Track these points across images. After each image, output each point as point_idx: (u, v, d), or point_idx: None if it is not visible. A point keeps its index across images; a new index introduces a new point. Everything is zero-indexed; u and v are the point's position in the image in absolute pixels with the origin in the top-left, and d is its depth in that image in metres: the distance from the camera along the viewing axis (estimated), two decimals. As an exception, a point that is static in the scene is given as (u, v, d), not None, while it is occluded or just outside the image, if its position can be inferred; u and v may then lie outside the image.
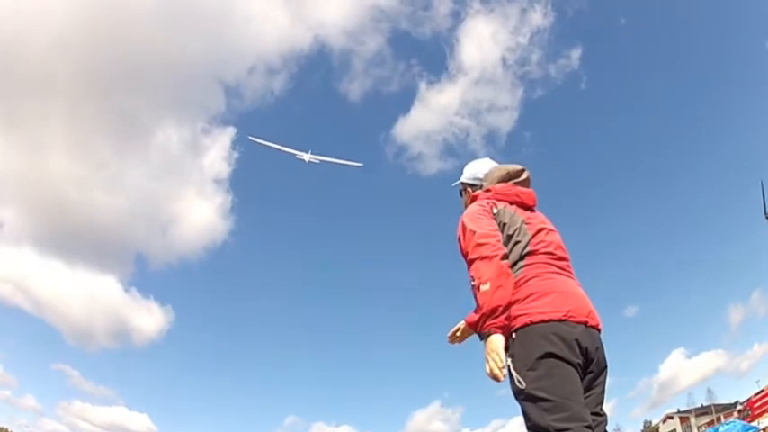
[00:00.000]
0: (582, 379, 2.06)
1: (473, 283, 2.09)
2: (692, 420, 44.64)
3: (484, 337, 2.03)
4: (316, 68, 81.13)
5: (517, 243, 2.24)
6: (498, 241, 2.18)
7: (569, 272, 2.32)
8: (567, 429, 1.87)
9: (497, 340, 2.00)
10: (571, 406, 1.93)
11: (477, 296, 2.05)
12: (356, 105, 76.22)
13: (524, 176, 2.58)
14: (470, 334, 2.63)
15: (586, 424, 1.92)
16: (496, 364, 1.96)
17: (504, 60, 73.77)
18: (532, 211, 2.50)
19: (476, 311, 2.08)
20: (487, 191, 2.53)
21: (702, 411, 45.51)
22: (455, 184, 2.85)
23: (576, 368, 2.02)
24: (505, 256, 2.14)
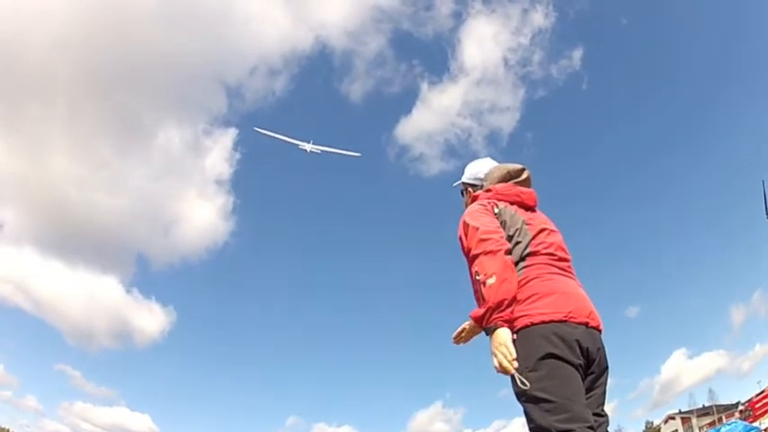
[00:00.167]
0: (583, 380, 2.06)
1: (478, 277, 2.07)
2: (694, 421, 44.61)
3: (490, 331, 2.02)
4: (317, 69, 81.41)
5: (518, 243, 2.23)
6: (501, 237, 2.18)
7: (570, 273, 2.32)
8: (570, 430, 1.87)
9: (505, 333, 1.99)
10: (573, 407, 1.92)
11: (483, 290, 2.04)
12: (358, 106, 76.51)
13: (525, 176, 2.58)
14: (475, 334, 2.63)
15: (588, 425, 1.92)
16: (505, 357, 1.93)
17: (505, 61, 74.06)
18: (533, 211, 2.49)
19: (480, 306, 2.06)
20: (488, 191, 2.53)
21: (704, 412, 45.50)
22: (456, 183, 2.85)
23: (577, 369, 2.02)
24: (509, 252, 2.14)
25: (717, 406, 44.77)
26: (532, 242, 2.26)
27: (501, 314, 2.00)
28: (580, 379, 2.03)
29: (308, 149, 45.84)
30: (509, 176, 2.56)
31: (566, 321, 2.05)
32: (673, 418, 48.56)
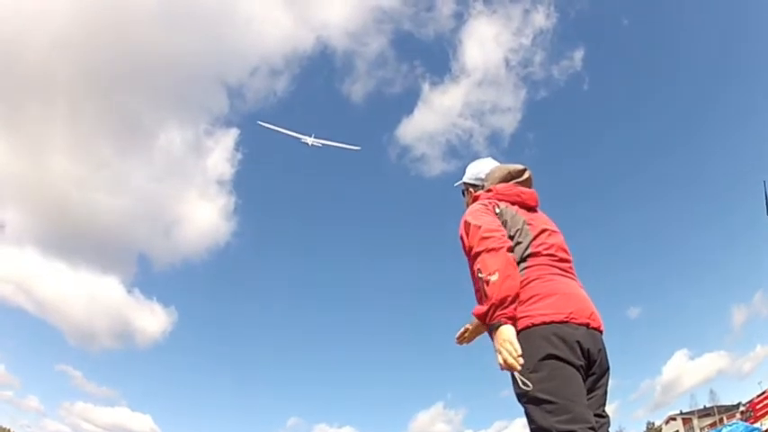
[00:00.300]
0: (584, 381, 2.05)
1: (480, 275, 2.06)
2: (695, 422, 44.59)
3: (494, 328, 2.00)
4: (318, 69, 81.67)
5: (518, 244, 2.23)
6: (503, 235, 2.17)
7: (571, 273, 2.31)
8: (571, 431, 1.86)
9: (509, 330, 1.97)
10: (574, 408, 1.92)
11: (486, 288, 2.02)
12: (359, 106, 76.63)
13: (526, 176, 2.57)
14: (479, 334, 2.62)
15: (590, 425, 1.91)
16: (510, 353, 1.91)
17: (506, 61, 74.21)
18: (534, 211, 2.49)
19: (483, 304, 2.05)
20: (489, 191, 2.52)
21: (705, 413, 45.51)
22: (457, 183, 2.85)
23: (578, 370, 2.01)
24: (511, 249, 2.13)
25: (718, 407, 44.79)
26: (533, 243, 2.25)
27: (504, 311, 1.99)
28: (581, 380, 2.02)
29: (310, 143, 46.92)
30: (510, 177, 2.56)
31: (567, 322, 2.04)
32: (674, 419, 48.55)
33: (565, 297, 2.12)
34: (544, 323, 2.02)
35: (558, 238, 2.38)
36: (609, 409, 2.22)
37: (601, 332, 2.17)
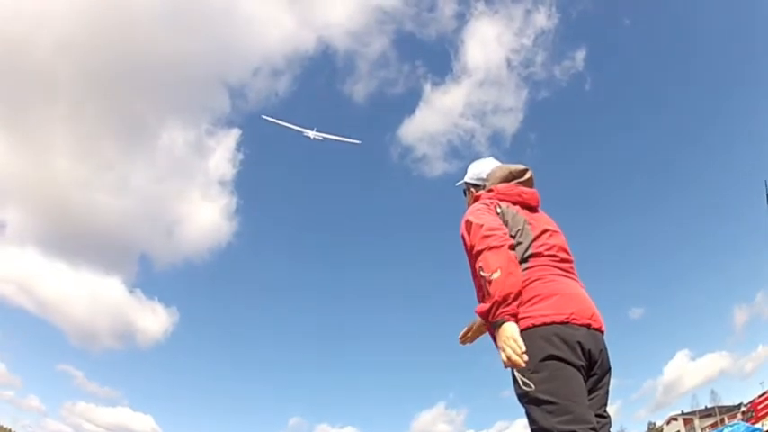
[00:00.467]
0: (585, 381, 2.05)
1: (482, 273, 2.06)
2: (696, 422, 44.52)
3: (497, 326, 2.00)
4: (320, 70, 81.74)
5: (519, 244, 2.22)
6: (505, 233, 2.17)
7: (573, 274, 2.30)
8: (572, 431, 1.86)
9: (512, 327, 1.96)
10: (575, 408, 1.91)
11: (488, 286, 2.02)
12: (361, 107, 76.65)
13: (527, 176, 2.57)
14: (481, 333, 2.62)
15: (591, 426, 1.91)
16: (514, 350, 1.90)
17: (508, 62, 74.27)
18: (536, 211, 2.48)
19: (486, 302, 2.04)
20: (490, 191, 2.52)
21: (706, 413, 45.47)
22: (459, 183, 2.85)
23: (579, 370, 2.01)
24: (513, 247, 2.13)
25: (719, 407, 44.75)
26: (534, 243, 2.25)
27: (507, 308, 1.98)
28: (582, 380, 2.02)
29: (312, 136, 48.11)
30: (511, 176, 2.55)
31: (567, 323, 2.04)
32: (675, 419, 48.49)
33: (566, 298, 2.12)
34: (545, 324, 2.02)
35: (560, 239, 2.37)
36: (610, 409, 2.22)
37: (602, 333, 2.17)
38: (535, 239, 2.27)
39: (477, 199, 2.53)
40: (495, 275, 2.01)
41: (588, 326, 2.09)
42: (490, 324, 2.05)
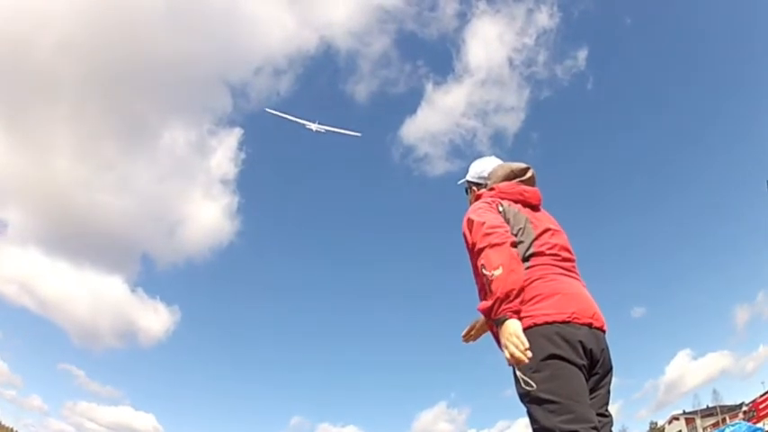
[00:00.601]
0: (587, 380, 2.04)
1: (484, 271, 2.05)
2: (698, 422, 44.53)
3: (499, 323, 1.99)
4: (322, 69, 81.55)
5: (520, 243, 2.22)
6: (507, 231, 2.16)
7: (575, 273, 2.30)
8: (574, 431, 1.86)
9: (515, 324, 1.96)
10: (577, 407, 1.91)
11: (490, 283, 2.01)
12: (362, 106, 76.48)
13: (529, 175, 2.56)
14: (485, 332, 2.61)
15: (593, 425, 1.91)
16: (518, 347, 1.90)
17: (510, 61, 74.19)
18: (537, 210, 2.48)
19: (488, 299, 2.04)
20: (491, 189, 2.51)
21: (708, 413, 45.43)
22: (461, 182, 2.84)
23: (580, 369, 2.00)
24: (515, 244, 2.13)
25: (721, 407, 44.70)
26: (536, 242, 2.25)
27: (510, 305, 1.98)
28: (584, 379, 2.02)
29: (314, 129, 49.27)
30: (513, 175, 2.55)
31: (569, 322, 2.03)
32: (677, 419, 48.48)
33: (567, 297, 2.11)
34: (546, 323, 2.02)
35: (561, 238, 2.37)
36: (612, 408, 2.22)
37: (604, 332, 2.16)
38: (537, 238, 2.26)
39: (478, 197, 2.53)
40: (497, 272, 2.01)
41: (590, 325, 2.08)
42: (493, 321, 2.05)
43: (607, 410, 2.16)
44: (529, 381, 1.94)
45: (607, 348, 2.16)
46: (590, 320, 2.09)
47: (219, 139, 74.50)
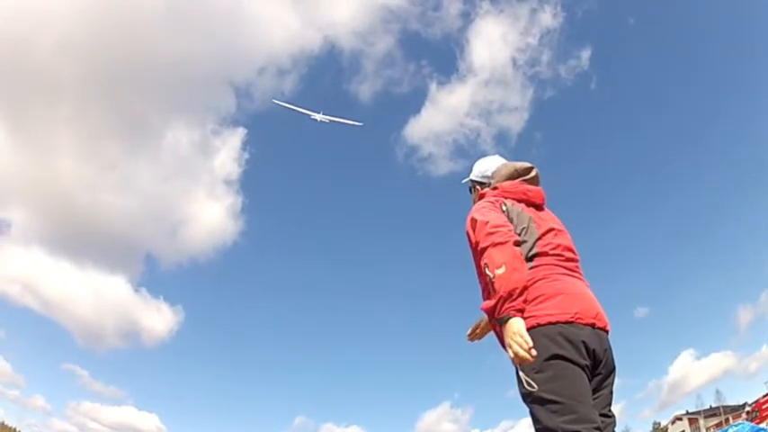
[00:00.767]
0: (590, 381, 2.04)
1: (487, 270, 2.05)
2: (701, 422, 44.41)
3: (503, 322, 1.99)
4: (326, 69, 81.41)
5: (524, 243, 2.21)
6: (510, 230, 2.16)
7: (578, 273, 2.29)
8: (577, 431, 1.86)
9: (518, 323, 1.96)
10: (580, 408, 1.91)
11: (493, 281, 2.01)
12: (366, 106, 76.27)
13: (533, 174, 2.56)
14: (490, 330, 2.61)
15: (595, 425, 1.90)
16: (521, 346, 1.90)
17: (514, 61, 74.10)
18: (541, 209, 2.47)
19: (490, 298, 2.03)
20: (495, 188, 2.51)
21: (711, 413, 45.31)
22: (464, 181, 2.84)
23: (583, 370, 2.00)
24: (518, 243, 2.12)
25: (724, 407, 44.57)
26: (539, 242, 2.24)
27: (513, 303, 1.98)
28: (587, 380, 2.01)
29: (319, 119, 50.65)
30: (516, 174, 2.55)
31: (572, 322, 2.03)
32: (680, 419, 48.36)
33: (570, 297, 2.11)
34: (549, 323, 2.01)
35: (565, 238, 2.36)
36: (615, 408, 2.21)
37: (607, 332, 2.16)
38: (540, 238, 2.26)
39: (482, 196, 2.53)
40: (500, 271, 2.01)
41: (593, 325, 2.08)
42: (496, 320, 2.05)
43: (610, 411, 2.16)
44: (531, 381, 1.94)
45: (610, 349, 2.15)
46: (593, 321, 2.09)
47: (223, 139, 74.68)
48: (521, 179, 2.53)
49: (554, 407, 1.90)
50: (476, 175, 2.75)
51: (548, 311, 2.04)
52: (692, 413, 47.85)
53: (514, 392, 2.05)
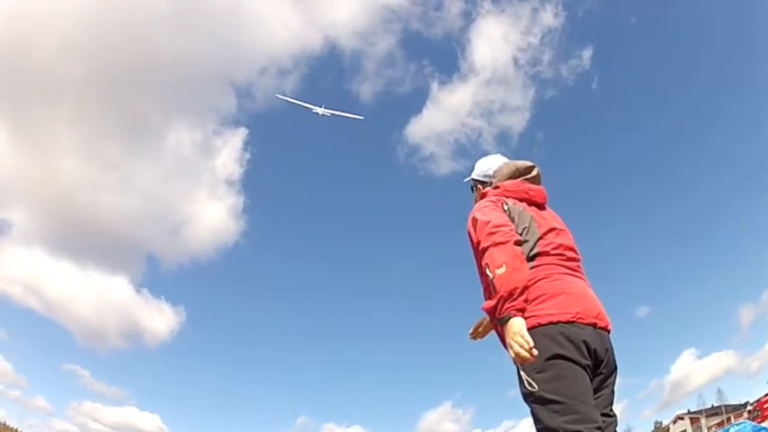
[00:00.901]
0: (591, 381, 2.04)
1: (488, 270, 2.05)
2: (703, 421, 44.39)
3: (503, 322, 1.99)
4: (327, 69, 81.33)
5: (525, 242, 2.21)
6: (511, 229, 2.16)
7: (580, 273, 2.29)
8: (578, 431, 1.85)
9: (519, 322, 1.95)
10: (581, 408, 1.91)
11: (494, 280, 2.01)
12: (368, 106, 76.10)
13: (534, 173, 2.56)
14: (492, 329, 2.61)
15: (597, 425, 1.90)
16: (522, 346, 1.89)
17: (515, 60, 73.96)
18: (543, 208, 2.47)
19: (491, 297, 2.03)
20: (496, 187, 2.51)
21: (713, 412, 45.30)
22: (466, 180, 2.84)
23: (585, 369, 2.00)
24: (519, 243, 2.12)
25: (726, 406, 44.54)
26: (541, 242, 2.24)
27: (513, 303, 1.97)
28: (588, 380, 2.01)
29: (321, 113, 51.18)
30: (518, 173, 2.54)
31: (573, 322, 2.02)
32: (682, 418, 48.34)
33: (572, 297, 2.10)
34: (551, 323, 2.01)
35: (567, 237, 2.36)
36: (617, 408, 2.21)
37: (608, 332, 2.16)
38: (541, 238, 2.26)
39: (484, 196, 2.53)
40: (500, 271, 2.01)
41: (594, 325, 2.08)
42: (497, 320, 2.05)
43: (611, 410, 2.16)
44: (532, 381, 1.94)
45: (611, 348, 2.15)
46: (594, 320, 2.08)
47: (224, 140, 74.47)
48: (522, 178, 2.53)
49: (555, 407, 1.90)
50: (477, 174, 2.75)
51: (549, 311, 2.04)
52: (694, 412, 47.84)
53: (516, 392, 2.05)
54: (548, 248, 2.23)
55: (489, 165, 2.71)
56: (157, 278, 76.27)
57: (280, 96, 58.23)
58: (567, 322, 2.02)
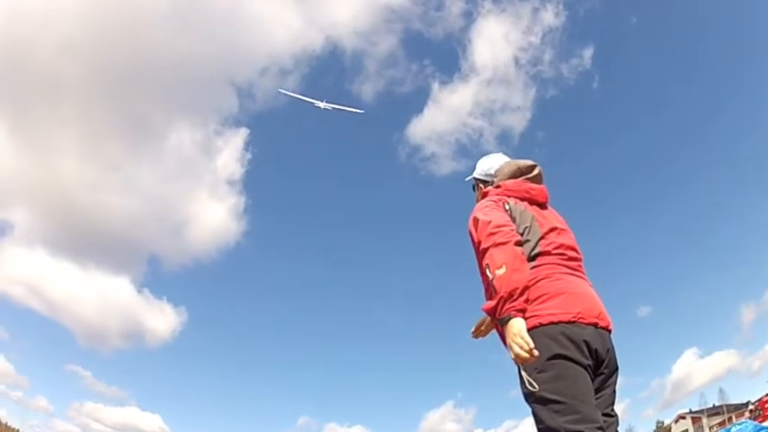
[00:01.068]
0: (592, 380, 2.03)
1: (488, 270, 2.05)
2: (704, 420, 44.42)
3: (504, 322, 1.98)
4: (328, 69, 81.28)
5: (527, 242, 2.21)
6: (512, 230, 2.15)
7: (581, 272, 2.29)
8: (579, 431, 1.85)
9: (519, 323, 1.95)
10: (582, 408, 1.90)
11: (494, 281, 2.01)
12: (369, 106, 76.07)
13: (536, 172, 2.55)
14: (494, 327, 2.62)
15: (598, 425, 1.90)
16: (522, 347, 1.89)
17: (516, 60, 73.99)
18: (545, 208, 2.47)
19: (492, 298, 2.03)
20: (497, 187, 2.51)
21: (714, 411, 45.33)
22: (468, 179, 2.84)
23: (586, 369, 2.00)
24: (520, 243, 2.12)
25: (727, 405, 44.58)
26: (542, 241, 2.24)
27: (514, 303, 1.97)
28: (589, 379, 2.01)
29: (322, 107, 51.76)
30: (519, 173, 2.54)
31: (574, 322, 2.02)
32: (683, 418, 48.40)
33: (573, 296, 2.10)
34: (552, 323, 2.01)
35: (568, 237, 2.36)
36: (618, 407, 2.21)
37: (609, 332, 2.15)
38: (543, 237, 2.25)
39: (485, 195, 2.52)
40: (500, 272, 2.00)
41: (595, 325, 2.07)
42: (497, 321, 2.04)
43: (613, 410, 2.15)
44: (533, 381, 1.94)
45: (612, 348, 2.15)
46: (595, 320, 2.08)
47: (225, 140, 74.52)
48: (524, 177, 2.52)
49: (556, 407, 1.90)
50: (479, 173, 2.74)
51: (550, 311, 2.03)
52: (696, 412, 47.91)
53: (517, 392, 2.05)
54: (549, 248, 2.23)
55: (491, 164, 2.71)
56: (159, 278, 76.46)
57: (282, 91, 59.46)
58: (569, 322, 2.02)
